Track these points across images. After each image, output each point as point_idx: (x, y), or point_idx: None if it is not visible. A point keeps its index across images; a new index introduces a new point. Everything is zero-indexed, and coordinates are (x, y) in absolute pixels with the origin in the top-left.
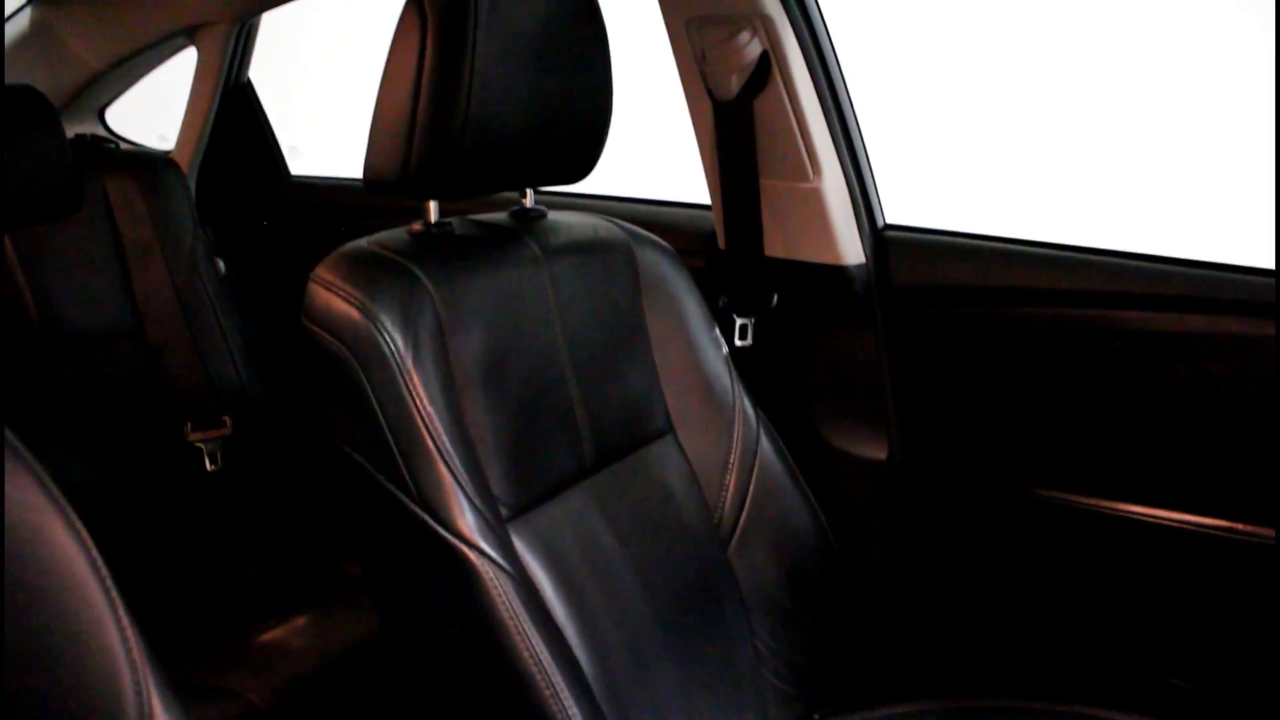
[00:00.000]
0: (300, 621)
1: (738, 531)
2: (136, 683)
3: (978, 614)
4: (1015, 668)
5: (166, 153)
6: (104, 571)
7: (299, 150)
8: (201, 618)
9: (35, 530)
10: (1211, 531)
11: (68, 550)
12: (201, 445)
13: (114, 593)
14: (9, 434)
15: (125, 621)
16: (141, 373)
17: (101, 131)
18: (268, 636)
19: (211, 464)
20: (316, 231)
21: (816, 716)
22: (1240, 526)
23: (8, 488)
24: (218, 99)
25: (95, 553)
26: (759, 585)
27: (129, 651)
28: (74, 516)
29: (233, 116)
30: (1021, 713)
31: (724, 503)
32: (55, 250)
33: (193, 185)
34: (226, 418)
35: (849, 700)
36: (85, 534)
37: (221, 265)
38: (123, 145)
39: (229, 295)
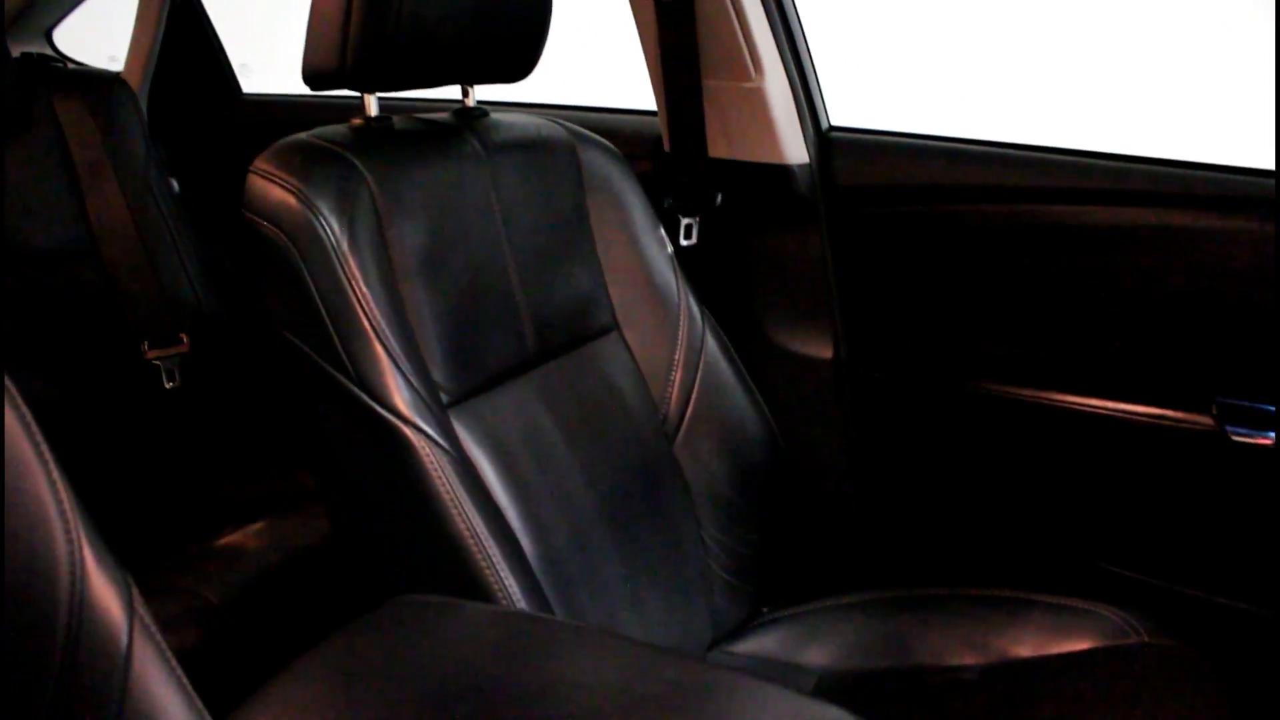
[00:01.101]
0: (256, 527)
1: (683, 427)
2: (70, 541)
3: (921, 507)
4: (956, 557)
5: (116, 73)
6: (34, 427)
7: (250, 68)
8: (159, 529)
9: None
10: (1144, 420)
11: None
12: (159, 363)
13: (43, 446)
14: None
15: (56, 474)
16: (97, 292)
17: (49, 52)
18: (223, 541)
19: (169, 381)
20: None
21: (765, 610)
22: (1172, 413)
23: None
24: (164, 15)
25: (24, 408)
26: (705, 480)
27: (66, 514)
28: (7, 384)
29: (182, 34)
30: (959, 599)
31: (670, 399)
32: (6, 171)
33: (144, 104)
34: (184, 335)
35: (795, 593)
36: (14, 389)
37: (175, 184)
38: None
39: (183, 213)
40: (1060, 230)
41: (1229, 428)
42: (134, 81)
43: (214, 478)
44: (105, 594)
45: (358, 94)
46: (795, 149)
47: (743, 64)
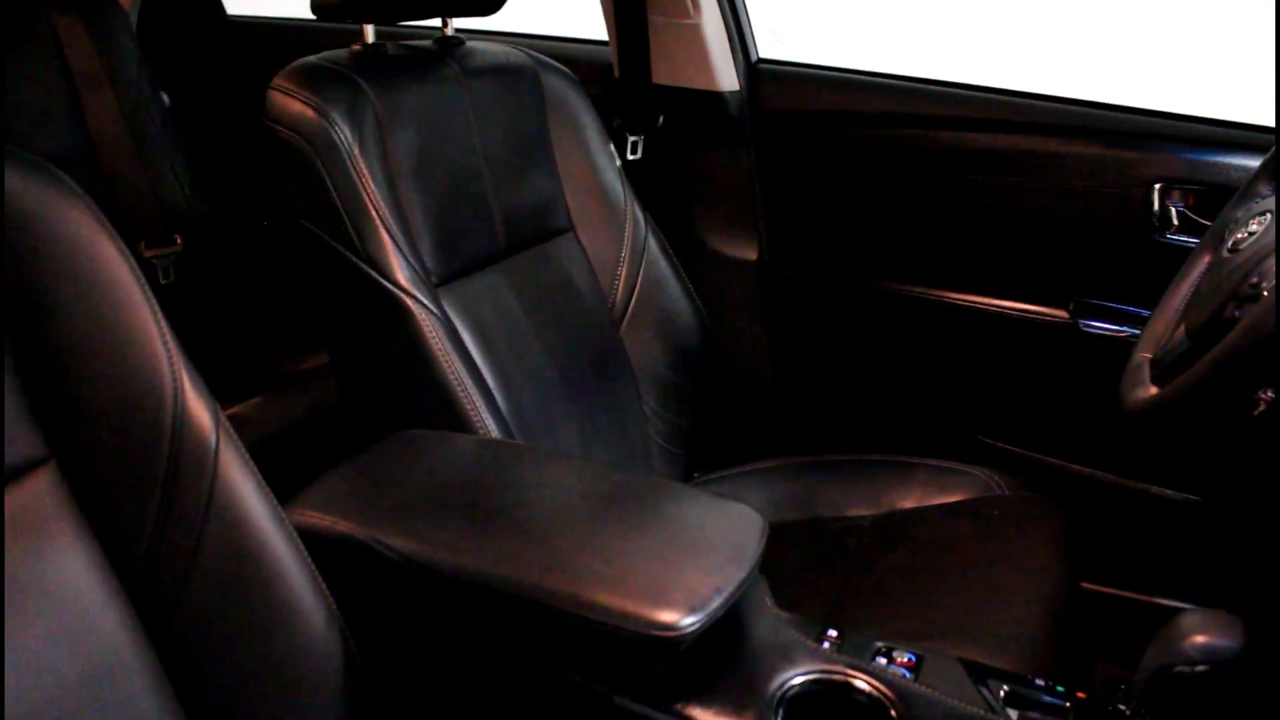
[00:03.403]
0: (255, 402)
1: (628, 315)
2: (172, 368)
3: (829, 386)
4: (857, 429)
5: None
6: (143, 282)
7: None
8: None
9: (87, 247)
10: (1015, 314)
11: (115, 265)
12: (156, 261)
13: (151, 296)
14: (56, 171)
15: (163, 324)
16: (96, 196)
17: None
18: (226, 414)
19: (165, 278)
20: (252, 67)
21: (697, 474)
22: (1037, 309)
23: (63, 217)
24: None
25: (138, 270)
26: (646, 361)
27: (167, 344)
28: (120, 241)
29: None
30: (858, 463)
31: (616, 291)
32: (9, 84)
33: (134, 23)
34: (178, 236)
35: (722, 459)
36: (128, 254)
37: (165, 98)
38: None
39: (173, 125)
40: (950, 153)
41: (1081, 321)
42: (125, 2)
43: (209, 365)
44: (198, 405)
45: (331, 21)
46: (727, 78)
47: (683, 4)
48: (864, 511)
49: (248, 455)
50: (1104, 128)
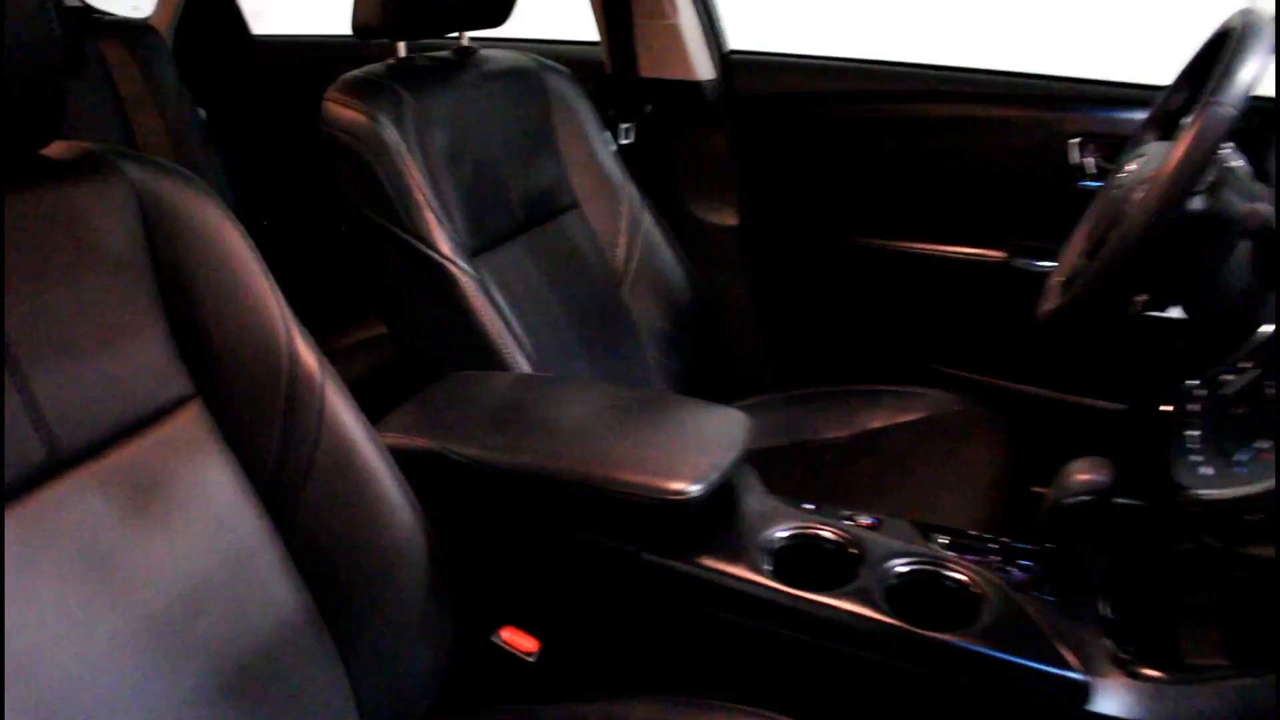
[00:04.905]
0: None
1: (628, 279)
2: (285, 323)
3: (805, 330)
4: (831, 365)
5: (146, 19)
6: (261, 259)
7: (261, 14)
8: None
9: (216, 231)
10: (964, 257)
11: (237, 243)
12: None
13: (268, 271)
14: (189, 174)
15: (276, 290)
16: None
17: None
18: None
19: None
20: (276, 81)
21: None
22: (981, 251)
23: (196, 208)
24: None
25: (254, 249)
26: (646, 317)
27: (280, 305)
28: (240, 226)
29: None
30: (833, 394)
31: (618, 258)
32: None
33: (170, 46)
34: None
35: (713, 397)
36: (247, 235)
37: (202, 112)
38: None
39: (210, 136)
40: (901, 122)
41: (1016, 260)
42: (162, 28)
43: None
44: (306, 351)
45: (352, 38)
46: (704, 68)
47: (663, 7)
48: (840, 433)
49: (346, 389)
50: (1031, 94)
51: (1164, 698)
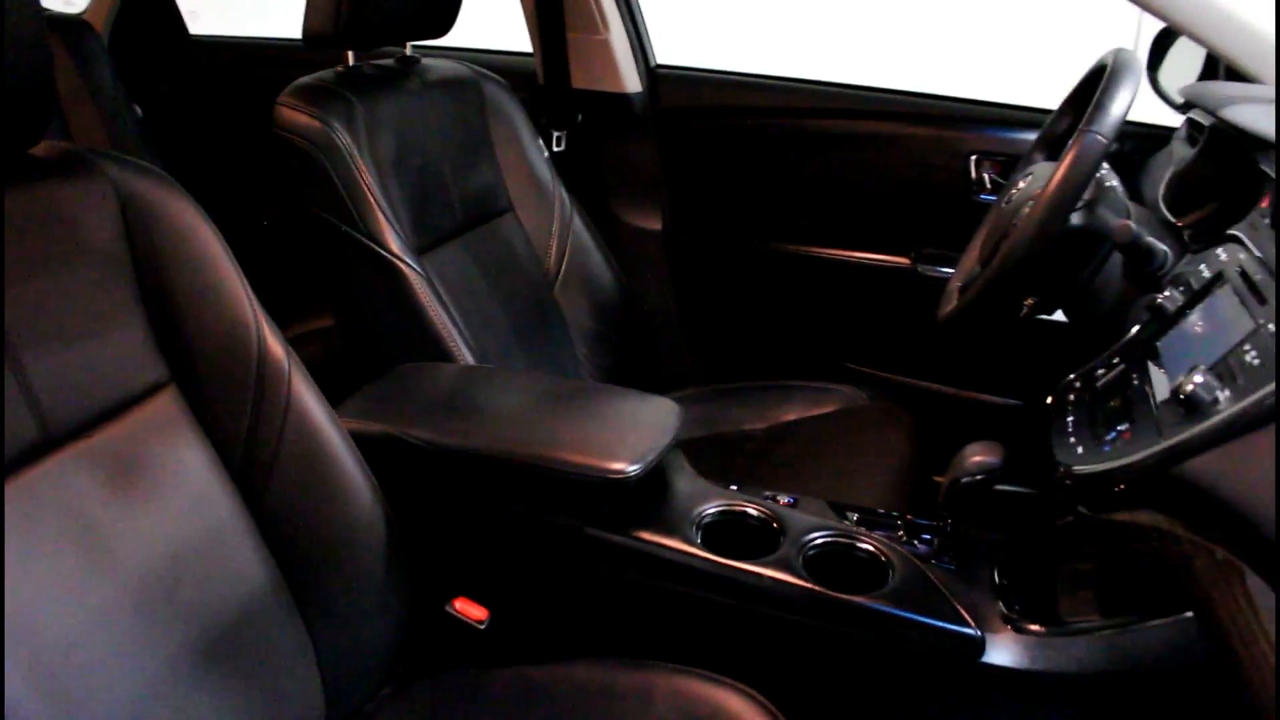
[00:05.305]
0: None
1: (559, 279)
2: (254, 315)
3: (724, 328)
4: (748, 362)
5: (81, 14)
6: (232, 255)
7: (198, 14)
8: None
9: (190, 228)
10: (872, 263)
11: (210, 240)
12: None
13: (238, 267)
14: (164, 174)
15: (245, 284)
16: None
17: None
18: None
19: None
20: (213, 82)
21: None
22: (888, 258)
23: (171, 205)
24: None
25: (225, 245)
26: (576, 315)
27: (249, 298)
28: (212, 224)
29: None
30: (751, 389)
31: (550, 258)
32: None
33: (105, 43)
34: None
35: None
36: (218, 232)
37: (138, 109)
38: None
39: (146, 133)
40: (814, 136)
41: (920, 266)
42: (99, 26)
43: None
44: (273, 340)
45: (284, 41)
46: (632, 82)
47: (594, 23)
48: (757, 425)
49: (310, 378)
50: (934, 113)
51: (1046, 648)
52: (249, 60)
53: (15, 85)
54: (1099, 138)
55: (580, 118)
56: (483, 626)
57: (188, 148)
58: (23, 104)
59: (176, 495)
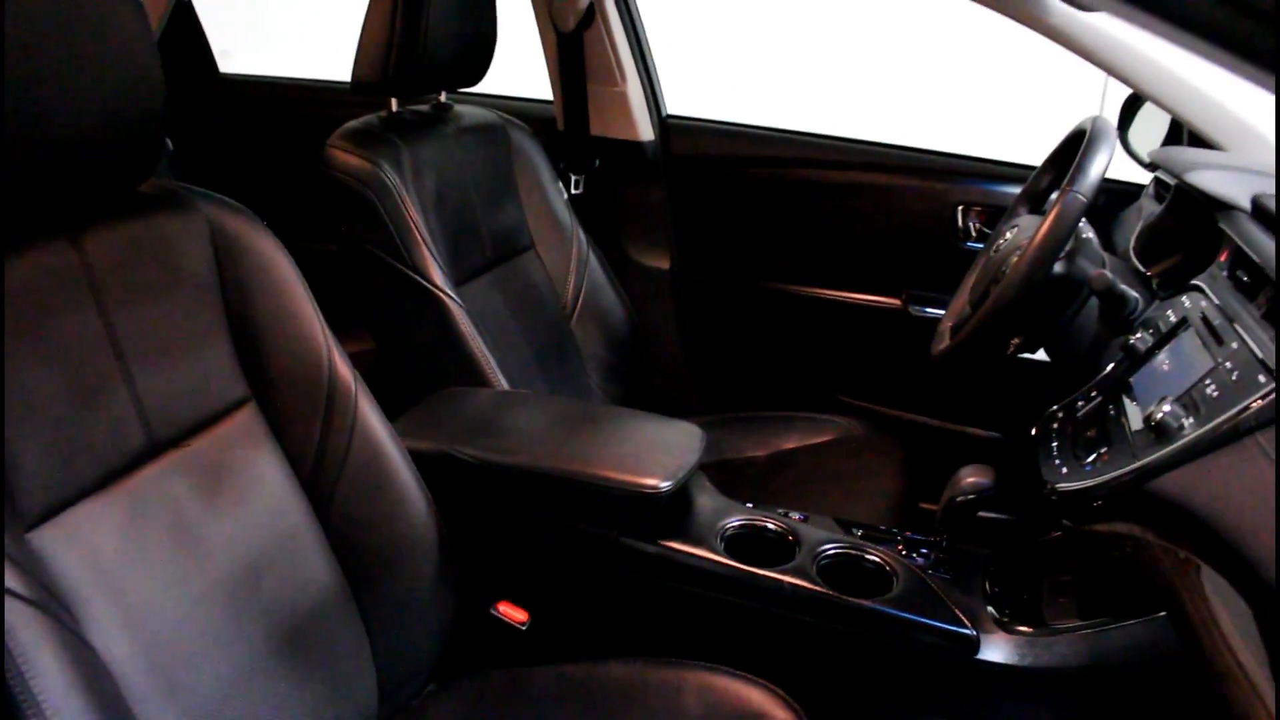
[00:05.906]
0: None
1: (576, 312)
2: (325, 339)
3: (728, 361)
4: (750, 394)
5: None
6: (304, 283)
7: (230, 54)
8: None
9: (271, 259)
10: (864, 303)
11: (288, 270)
12: None
13: (311, 296)
14: (248, 210)
15: (318, 311)
16: None
17: None
18: None
19: None
20: (242, 119)
21: None
22: (880, 298)
23: (254, 238)
24: (167, 14)
25: (301, 275)
26: (590, 346)
27: (321, 324)
28: (289, 255)
29: (172, 25)
30: (753, 419)
31: (567, 294)
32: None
33: None
34: None
35: None
36: (294, 263)
37: (169, 144)
38: None
39: (178, 167)
40: (816, 185)
41: (910, 306)
42: None
43: None
44: (341, 363)
45: (311, 81)
46: (646, 130)
47: (613, 75)
48: (759, 453)
49: (374, 398)
50: (925, 166)
51: (1033, 646)
52: (280, 99)
53: (128, 126)
54: (1079, 196)
55: (597, 163)
56: (524, 628)
57: (217, 182)
58: (134, 144)
59: (257, 502)
